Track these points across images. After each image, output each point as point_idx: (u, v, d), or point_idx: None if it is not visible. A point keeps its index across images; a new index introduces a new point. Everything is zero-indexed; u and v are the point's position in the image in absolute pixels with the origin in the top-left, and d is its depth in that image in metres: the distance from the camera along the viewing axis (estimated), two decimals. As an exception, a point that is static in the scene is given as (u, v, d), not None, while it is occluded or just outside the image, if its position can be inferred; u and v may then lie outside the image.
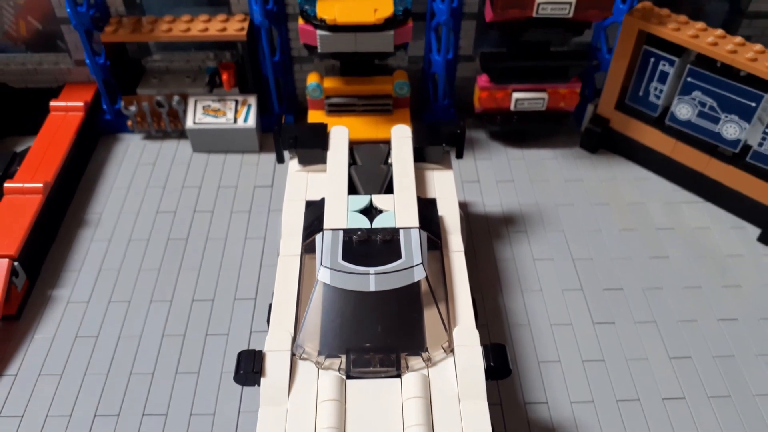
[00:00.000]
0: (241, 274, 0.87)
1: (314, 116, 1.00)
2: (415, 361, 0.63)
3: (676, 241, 0.92)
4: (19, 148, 1.00)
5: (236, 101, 1.03)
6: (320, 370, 0.62)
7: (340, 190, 0.76)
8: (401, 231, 0.70)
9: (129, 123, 1.05)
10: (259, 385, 0.61)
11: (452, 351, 0.64)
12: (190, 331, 0.80)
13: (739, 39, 0.86)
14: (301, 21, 0.89)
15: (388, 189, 0.78)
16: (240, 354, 0.62)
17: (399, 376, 0.62)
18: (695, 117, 0.92)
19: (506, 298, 0.84)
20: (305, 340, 0.64)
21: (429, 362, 0.63)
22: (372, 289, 0.64)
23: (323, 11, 0.87)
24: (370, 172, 0.80)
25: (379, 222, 0.72)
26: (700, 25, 0.89)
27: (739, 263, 0.89)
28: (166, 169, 1.02)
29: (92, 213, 0.95)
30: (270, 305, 0.68)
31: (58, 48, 1.04)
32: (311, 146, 0.81)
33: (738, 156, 0.91)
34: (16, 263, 0.81)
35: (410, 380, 0.61)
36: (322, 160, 0.82)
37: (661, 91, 0.94)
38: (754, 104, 0.86)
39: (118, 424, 0.71)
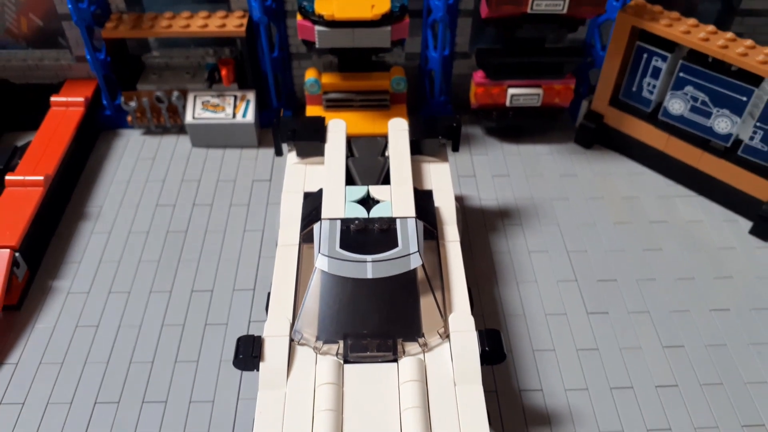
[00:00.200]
0: (240, 266, 0.88)
1: (312, 111, 1.01)
2: (412, 347, 0.64)
3: (669, 234, 0.93)
4: (20, 143, 1.01)
5: (235, 97, 1.04)
6: (318, 355, 0.63)
7: (338, 180, 0.77)
8: (398, 220, 0.71)
9: (129, 118, 1.06)
10: (257, 369, 0.62)
11: (448, 336, 0.65)
12: (189, 320, 0.81)
13: (730, 35, 0.88)
14: (299, 17, 0.90)
15: (385, 180, 0.79)
16: (239, 339, 0.63)
17: (396, 360, 0.63)
18: (688, 112, 0.93)
19: (501, 289, 0.85)
20: (303, 326, 0.65)
21: (425, 347, 0.64)
22: (369, 276, 0.66)
23: (321, 7, 0.88)
24: (367, 163, 0.81)
25: (376, 212, 0.73)
26: (692, 21, 0.90)
27: (731, 255, 0.90)
28: (166, 164, 1.03)
29: (92, 206, 0.96)
30: (269, 294, 0.69)
31: (58, 44, 1.06)
32: (309, 139, 0.83)
33: (730, 150, 0.93)
34: (17, 254, 0.82)
35: (407, 365, 0.62)
36: (320, 152, 0.83)
37: (654, 86, 0.96)
38: (745, 98, 0.87)
39: (118, 411, 0.72)
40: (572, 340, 0.80)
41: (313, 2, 0.89)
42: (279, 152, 0.86)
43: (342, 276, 0.66)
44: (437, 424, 0.58)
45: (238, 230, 0.93)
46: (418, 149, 0.84)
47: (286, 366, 0.62)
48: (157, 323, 0.81)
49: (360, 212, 0.73)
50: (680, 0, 1.03)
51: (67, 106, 1.03)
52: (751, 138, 0.89)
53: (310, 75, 0.99)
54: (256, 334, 0.64)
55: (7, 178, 0.89)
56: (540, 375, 0.76)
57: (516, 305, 0.83)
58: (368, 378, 0.62)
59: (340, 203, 0.74)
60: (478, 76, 1.02)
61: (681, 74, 0.91)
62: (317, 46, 0.91)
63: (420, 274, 0.67)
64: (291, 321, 0.65)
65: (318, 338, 0.64)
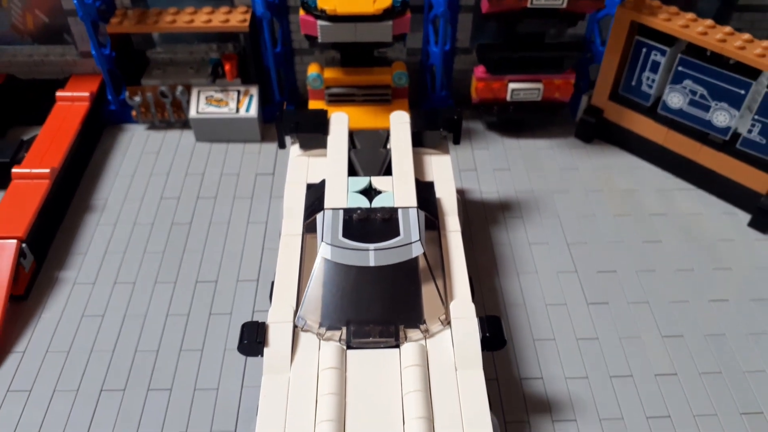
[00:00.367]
0: (244, 257, 0.89)
1: (315, 106, 1.02)
2: (414, 333, 0.65)
3: (668, 226, 0.94)
4: (26, 137, 1.02)
5: (238, 91, 1.05)
6: (321, 341, 0.64)
7: (341, 171, 0.78)
8: (400, 210, 0.72)
9: (133, 113, 1.07)
10: (262, 355, 0.63)
11: (449, 323, 0.66)
12: (193, 310, 0.82)
13: (728, 29, 0.88)
14: (302, 12, 0.92)
15: (387, 172, 0.80)
16: (244, 325, 0.64)
17: (397, 346, 0.64)
18: (686, 105, 0.94)
19: (502, 279, 0.86)
20: (307, 312, 0.66)
21: (427, 334, 0.65)
22: (371, 264, 0.67)
23: (324, 2, 0.89)
24: (369, 155, 0.82)
25: (378, 202, 0.74)
26: (690, 15, 0.91)
27: (730, 247, 0.91)
28: (170, 158, 1.04)
29: (98, 199, 0.97)
30: (272, 283, 0.70)
31: (64, 40, 1.07)
32: (312, 131, 0.84)
33: (728, 143, 0.94)
34: (23, 245, 0.83)
35: (408, 350, 0.63)
36: (323, 144, 0.84)
37: (653, 80, 0.97)
38: (743, 92, 0.88)
39: (123, 398, 0.73)
40: (572, 329, 0.81)
41: (315, -3, 0.90)
42: (282, 145, 0.87)
43: (345, 264, 0.67)
44: (439, 407, 0.59)
45: (241, 222, 0.94)
46: (419, 141, 0.85)
47: (290, 351, 0.63)
48: (162, 313, 0.82)
49: (362, 202, 0.74)
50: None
51: (73, 101, 1.04)
52: (749, 131, 0.90)
53: (312, 70, 1.00)
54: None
55: (14, 170, 0.90)
56: (540, 363, 0.77)
57: (516, 295, 0.84)
58: (371, 363, 0.63)
59: (343, 193, 0.75)
60: (479, 71, 1.03)
61: (680, 68, 0.92)
62: (320, 40, 0.92)
63: (421, 262, 0.68)
64: (295, 308, 0.66)
65: (321, 325, 0.65)
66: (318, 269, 0.67)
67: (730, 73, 0.88)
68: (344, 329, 0.65)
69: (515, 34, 0.98)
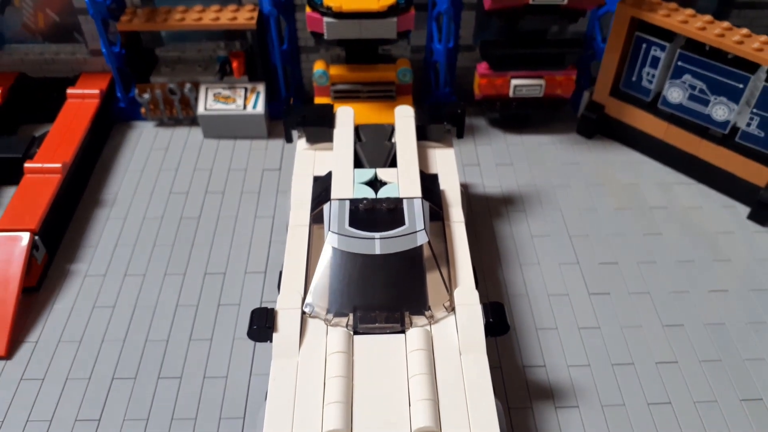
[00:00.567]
0: (252, 250, 0.90)
1: (320, 102, 1.04)
2: (419, 319, 0.67)
3: (669, 219, 0.96)
4: (37, 134, 1.04)
5: (245, 88, 1.07)
6: (329, 326, 0.66)
7: (347, 163, 0.79)
8: (405, 200, 0.74)
9: (142, 110, 1.09)
10: (271, 340, 0.64)
11: (453, 309, 0.67)
12: (202, 301, 0.84)
13: (726, 24, 0.90)
14: (308, 9, 0.93)
15: (392, 164, 0.82)
16: (253, 312, 0.66)
17: (403, 332, 0.65)
18: (686, 100, 0.96)
19: (505, 271, 0.88)
20: (315, 299, 0.67)
21: (431, 320, 0.67)
22: (377, 252, 0.68)
23: (330, -1, 0.91)
24: (374, 148, 0.84)
25: (384, 193, 0.76)
26: (689, 11, 0.93)
27: (729, 239, 0.93)
28: (178, 154, 1.06)
29: (108, 193, 0.99)
30: (280, 272, 0.72)
31: (74, 39, 1.09)
32: (318, 124, 0.85)
33: (727, 137, 0.95)
34: (36, 237, 0.84)
35: (414, 335, 0.64)
36: (329, 138, 0.86)
37: (653, 76, 0.98)
38: (741, 86, 0.89)
39: (134, 386, 0.75)
40: (574, 318, 0.82)
41: (321, -5, 0.92)
42: (289, 139, 0.89)
43: (351, 252, 0.68)
44: (443, 389, 0.60)
45: (249, 216, 0.96)
46: (423, 135, 0.87)
47: (299, 336, 0.64)
48: (172, 304, 0.84)
49: (368, 193, 0.76)
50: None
51: (83, 98, 1.06)
52: (748, 124, 0.92)
53: (318, 67, 1.02)
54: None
55: (27, 165, 0.92)
56: (543, 352, 0.78)
57: (519, 286, 0.86)
58: (377, 347, 0.64)
59: (349, 184, 0.77)
60: (482, 67, 1.04)
61: (679, 63, 0.94)
62: (326, 37, 0.94)
63: (426, 250, 0.69)
64: (303, 295, 0.68)
65: (329, 311, 0.67)
66: (325, 257, 0.69)
67: (728, 68, 0.90)
68: (351, 315, 0.66)
69: (517, 31, 1.00)
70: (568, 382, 0.75)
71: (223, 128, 1.08)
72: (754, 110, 0.90)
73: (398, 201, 0.74)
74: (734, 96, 0.91)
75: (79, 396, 0.74)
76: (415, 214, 0.72)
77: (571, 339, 0.80)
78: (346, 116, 0.87)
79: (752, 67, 0.88)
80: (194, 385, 0.75)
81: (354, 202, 0.74)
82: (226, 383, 0.75)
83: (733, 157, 0.94)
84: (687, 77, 0.94)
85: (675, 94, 0.96)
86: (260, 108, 1.06)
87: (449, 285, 0.69)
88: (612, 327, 0.81)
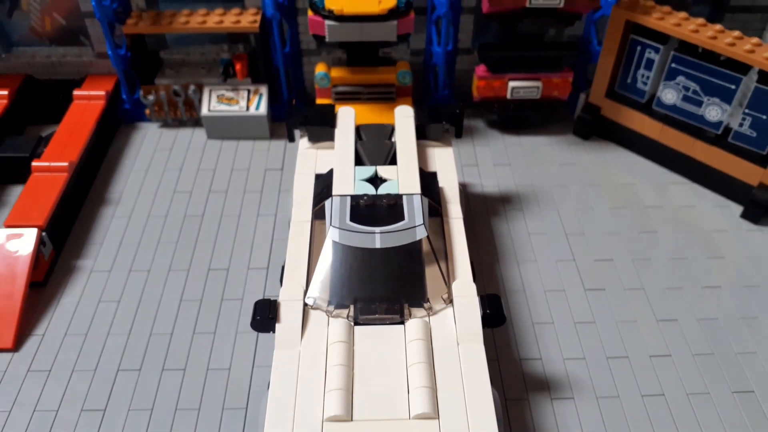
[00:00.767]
0: (254, 247, 0.92)
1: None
2: (418, 311, 0.68)
3: (663, 218, 0.97)
4: (44, 134, 1.06)
5: (248, 90, 1.09)
6: (330, 317, 0.68)
7: (348, 160, 0.81)
8: (404, 197, 0.76)
9: (147, 112, 1.11)
10: (273, 331, 0.66)
11: (451, 301, 0.69)
12: (206, 296, 0.86)
13: (718, 26, 0.92)
14: (310, 12, 0.96)
15: (392, 163, 0.84)
16: (257, 303, 0.68)
17: (402, 323, 0.67)
18: (680, 101, 0.98)
19: (503, 268, 0.90)
20: (316, 291, 0.69)
21: (430, 311, 0.68)
22: (377, 246, 0.70)
23: (331, 2, 0.93)
24: (375, 147, 0.86)
25: (384, 189, 0.78)
26: (683, 14, 0.95)
27: (723, 237, 0.94)
28: (182, 154, 1.08)
29: (113, 192, 1.01)
30: (283, 267, 0.74)
31: (80, 42, 1.11)
32: (320, 124, 0.87)
33: (720, 137, 0.97)
34: (43, 233, 0.86)
35: (413, 325, 0.66)
36: (331, 137, 0.88)
37: (647, 77, 1.01)
38: (733, 87, 0.92)
39: (139, 378, 0.76)
40: (570, 313, 0.84)
41: (323, -2, 0.94)
42: (292, 138, 0.91)
43: (352, 246, 0.70)
44: (442, 377, 0.62)
45: (251, 215, 0.98)
46: (423, 134, 0.89)
47: (301, 327, 0.66)
48: (176, 299, 0.85)
49: (368, 189, 0.78)
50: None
51: (89, 100, 1.08)
52: (741, 125, 0.94)
53: (320, 69, 1.04)
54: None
55: (34, 164, 0.94)
56: (539, 345, 0.80)
57: (516, 282, 0.88)
58: (377, 337, 0.66)
59: (350, 181, 0.78)
60: (480, 69, 1.06)
61: (673, 65, 0.96)
62: (327, 39, 0.96)
63: (425, 244, 0.71)
64: (304, 288, 0.70)
65: (330, 303, 0.68)
66: (327, 252, 0.71)
67: (721, 69, 0.92)
68: (352, 307, 0.68)
69: (515, 34, 1.02)
70: (563, 375, 0.77)
71: (226, 129, 1.10)
72: (747, 111, 0.92)
73: (398, 197, 0.76)
74: (727, 97, 0.93)
75: (84, 387, 0.75)
76: (415, 209, 0.74)
77: (567, 333, 0.81)
78: (347, 116, 0.89)
79: (744, 68, 0.90)
80: (198, 376, 0.76)
81: (355, 198, 0.76)
82: (229, 374, 0.77)
83: (727, 157, 0.96)
84: (681, 79, 0.96)
85: (669, 95, 0.98)
86: (263, 109, 1.08)
87: (447, 278, 0.71)
88: (607, 321, 0.83)
